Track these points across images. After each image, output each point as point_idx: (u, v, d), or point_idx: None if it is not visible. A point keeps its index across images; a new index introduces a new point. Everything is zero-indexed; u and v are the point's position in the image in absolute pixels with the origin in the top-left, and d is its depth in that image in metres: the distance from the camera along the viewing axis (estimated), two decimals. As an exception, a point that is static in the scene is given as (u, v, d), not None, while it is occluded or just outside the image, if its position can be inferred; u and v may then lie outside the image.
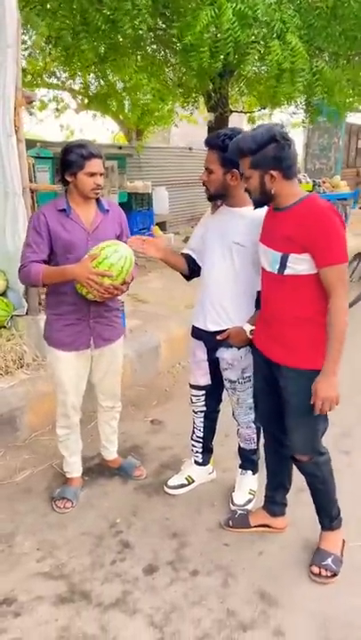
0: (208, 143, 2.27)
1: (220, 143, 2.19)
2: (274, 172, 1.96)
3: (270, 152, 1.93)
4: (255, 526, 2.49)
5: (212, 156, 2.25)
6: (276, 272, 2.04)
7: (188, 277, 2.59)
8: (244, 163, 2.00)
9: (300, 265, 1.97)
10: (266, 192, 2.01)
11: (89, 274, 2.19)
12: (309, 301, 2.02)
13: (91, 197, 2.38)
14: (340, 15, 5.34)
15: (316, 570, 2.24)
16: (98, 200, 2.45)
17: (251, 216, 2.29)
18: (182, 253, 2.56)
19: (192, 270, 2.54)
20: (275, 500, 2.47)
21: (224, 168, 2.23)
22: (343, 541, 2.34)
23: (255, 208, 2.13)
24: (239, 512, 2.56)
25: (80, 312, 2.43)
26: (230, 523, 2.51)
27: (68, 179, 2.33)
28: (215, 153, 2.23)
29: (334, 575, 2.23)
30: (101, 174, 2.34)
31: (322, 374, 2.00)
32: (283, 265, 2.00)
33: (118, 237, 2.48)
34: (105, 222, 2.44)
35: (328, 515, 2.32)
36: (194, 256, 2.52)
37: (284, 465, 2.38)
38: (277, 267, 2.03)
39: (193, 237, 2.56)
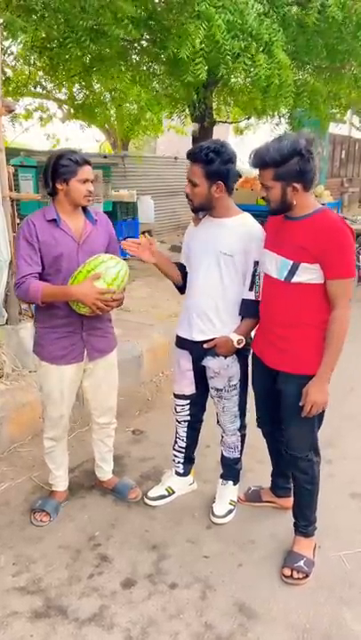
0: (191, 156, 2.24)
1: (204, 157, 2.17)
2: (296, 185, 1.98)
3: (294, 165, 1.95)
4: (265, 501, 2.71)
5: (196, 170, 2.22)
6: (283, 279, 2.08)
7: (182, 289, 2.54)
8: (267, 174, 2.01)
9: (309, 274, 2.02)
10: (287, 203, 2.04)
11: (96, 294, 2.16)
12: (313, 309, 2.06)
13: (83, 205, 2.33)
14: (324, 29, 5.43)
15: (287, 572, 2.24)
16: (85, 209, 2.40)
17: (236, 226, 2.30)
18: (177, 263, 2.54)
19: (185, 281, 2.51)
20: (278, 485, 2.67)
21: (209, 181, 2.21)
22: (315, 546, 2.35)
23: (271, 215, 2.15)
24: (253, 488, 2.77)
25: (73, 325, 2.37)
26: (244, 497, 2.73)
27: (59, 186, 2.26)
28: (199, 166, 2.21)
29: (306, 577, 2.23)
30: (92, 181, 2.30)
31: (315, 378, 2.06)
32: (292, 273, 2.04)
33: (107, 246, 2.44)
34: (94, 232, 2.38)
35: (306, 519, 2.33)
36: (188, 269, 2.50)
37: (284, 457, 2.49)
38: (285, 274, 2.06)
39: (183, 251, 2.55)
